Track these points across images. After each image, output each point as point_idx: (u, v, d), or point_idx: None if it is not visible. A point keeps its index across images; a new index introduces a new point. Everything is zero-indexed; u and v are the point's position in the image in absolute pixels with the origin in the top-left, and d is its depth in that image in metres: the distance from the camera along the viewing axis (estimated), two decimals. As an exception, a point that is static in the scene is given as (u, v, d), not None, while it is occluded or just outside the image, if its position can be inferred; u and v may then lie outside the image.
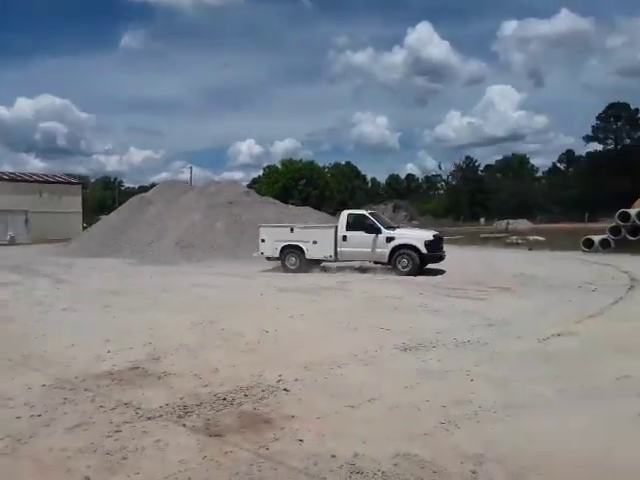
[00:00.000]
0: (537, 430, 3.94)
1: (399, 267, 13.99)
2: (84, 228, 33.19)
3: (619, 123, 67.60)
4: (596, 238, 21.22)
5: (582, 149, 72.75)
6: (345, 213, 15.64)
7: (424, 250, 13.92)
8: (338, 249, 14.75)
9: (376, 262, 14.71)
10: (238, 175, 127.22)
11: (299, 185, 62.26)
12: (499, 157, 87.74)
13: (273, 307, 9.22)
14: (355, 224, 14.83)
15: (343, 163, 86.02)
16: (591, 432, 3.90)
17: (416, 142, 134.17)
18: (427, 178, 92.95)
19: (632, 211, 21.17)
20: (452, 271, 14.07)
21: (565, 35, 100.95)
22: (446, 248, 15.41)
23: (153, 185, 37.66)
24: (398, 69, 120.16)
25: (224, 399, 4.62)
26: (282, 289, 11.36)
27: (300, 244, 15.11)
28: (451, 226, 44.66)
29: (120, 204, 30.79)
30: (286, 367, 5.53)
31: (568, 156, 77.63)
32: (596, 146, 69.63)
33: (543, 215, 56.67)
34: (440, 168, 79.13)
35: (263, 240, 15.62)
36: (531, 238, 27.38)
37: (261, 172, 78.48)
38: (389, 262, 14.24)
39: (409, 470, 3.33)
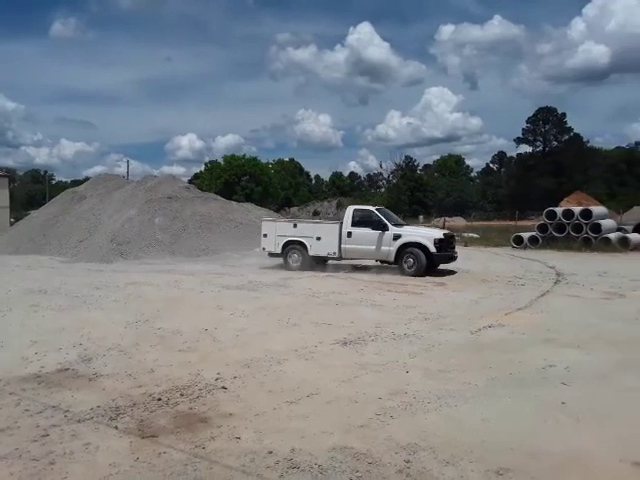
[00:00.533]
0: (469, 419, 4.11)
1: (405, 267, 13.14)
2: (11, 224, 31.25)
3: (547, 126, 71.45)
4: (525, 235, 22.39)
5: (513, 150, 76.49)
6: (351, 208, 14.51)
7: (433, 249, 13.02)
8: (342, 246, 13.91)
9: (382, 261, 13.90)
10: (178, 170, 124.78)
11: (242, 181, 61.41)
12: (437, 157, 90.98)
13: (214, 305, 9.04)
14: (361, 220, 13.94)
15: (287, 160, 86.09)
16: (519, 419, 4.11)
17: (358, 141, 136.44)
18: (369, 176, 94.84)
19: (558, 210, 22.52)
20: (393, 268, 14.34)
21: (498, 41, 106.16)
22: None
23: (87, 179, 35.94)
24: (340, 68, 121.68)
25: (159, 399, 4.50)
26: (225, 286, 11.19)
27: (303, 240, 14.26)
28: (391, 223, 45.56)
29: (51, 198, 29.16)
30: (225, 365, 5.47)
31: (500, 157, 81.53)
32: (526, 148, 73.48)
33: (477, 213, 59.04)
34: (381, 167, 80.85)
35: (265, 235, 14.76)
36: (466, 235, 28.43)
37: (203, 167, 77.07)
38: (395, 261, 13.41)
39: (345, 462, 3.38)
